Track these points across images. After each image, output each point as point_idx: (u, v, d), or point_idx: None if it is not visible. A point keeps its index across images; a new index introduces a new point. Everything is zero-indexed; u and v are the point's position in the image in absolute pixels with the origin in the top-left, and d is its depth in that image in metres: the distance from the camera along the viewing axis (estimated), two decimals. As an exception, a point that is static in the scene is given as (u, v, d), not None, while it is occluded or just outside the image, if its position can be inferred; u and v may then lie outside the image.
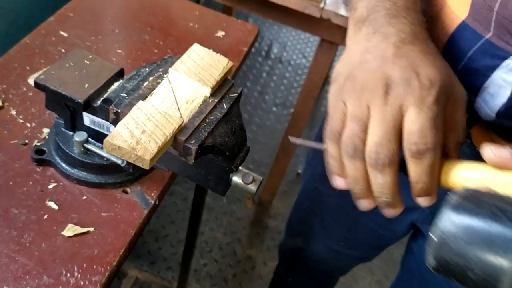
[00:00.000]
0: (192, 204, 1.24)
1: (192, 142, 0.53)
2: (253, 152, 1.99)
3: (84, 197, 0.63)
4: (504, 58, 0.46)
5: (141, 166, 0.51)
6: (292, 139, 0.49)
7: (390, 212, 0.44)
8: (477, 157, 0.54)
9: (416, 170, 0.40)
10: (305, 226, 0.94)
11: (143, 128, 0.52)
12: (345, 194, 0.77)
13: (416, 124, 0.39)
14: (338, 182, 0.45)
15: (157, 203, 0.66)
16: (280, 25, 2.62)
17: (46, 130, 0.69)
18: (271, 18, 1.43)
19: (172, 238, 1.65)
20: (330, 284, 1.17)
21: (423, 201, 0.43)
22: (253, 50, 2.46)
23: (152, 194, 0.66)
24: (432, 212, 0.66)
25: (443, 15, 0.52)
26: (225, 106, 0.58)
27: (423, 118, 0.39)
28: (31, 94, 0.73)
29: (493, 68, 0.47)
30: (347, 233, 0.84)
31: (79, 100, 0.59)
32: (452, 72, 0.43)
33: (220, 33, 0.94)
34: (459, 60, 0.50)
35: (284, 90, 2.29)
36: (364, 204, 0.45)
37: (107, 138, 0.50)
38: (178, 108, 0.55)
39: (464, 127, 0.44)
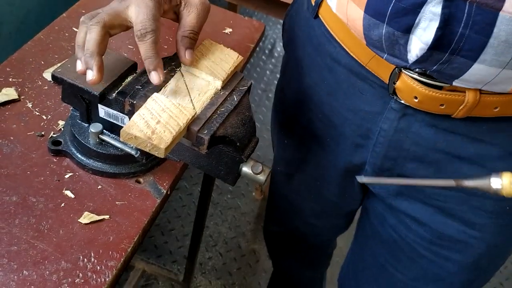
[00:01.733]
0: (198, 199, 1.27)
1: (205, 132, 0.55)
2: (257, 149, 2.00)
3: (99, 187, 0.66)
4: None
5: (156, 155, 0.53)
6: (360, 178, 0.57)
7: (87, 75, 0.56)
8: (405, 111, 0.62)
9: (143, 49, 0.56)
10: (279, 212, 1.02)
11: (158, 119, 0.54)
12: (305, 170, 0.86)
13: (138, 17, 0.56)
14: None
15: (169, 192, 0.68)
16: (283, 23, 2.64)
17: (61, 122, 0.71)
18: (275, 16, 1.45)
19: (178, 232, 1.67)
20: (322, 261, 1.21)
21: (154, 76, 0.56)
22: (257, 48, 2.49)
23: (164, 184, 0.68)
24: (375, 172, 0.71)
25: None
26: (235, 98, 0.60)
27: (142, 13, 0.55)
28: (46, 87, 0.75)
29: (421, 4, 0.50)
30: (315, 205, 0.90)
31: (95, 93, 0.61)
32: None
33: (228, 30, 0.96)
34: (388, 2, 0.52)
35: (288, 87, 2.32)
36: (79, 67, 0.57)
37: (124, 128, 0.53)
38: (191, 100, 0.58)
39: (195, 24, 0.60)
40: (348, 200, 0.85)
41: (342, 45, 0.65)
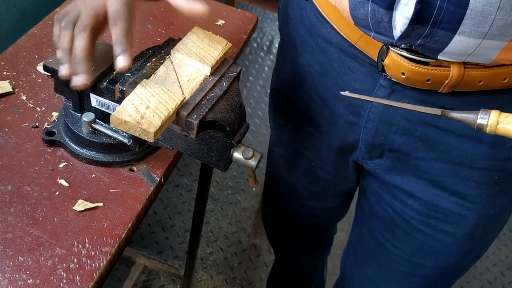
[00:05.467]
0: (197, 193, 1.27)
1: (194, 117, 0.56)
2: (256, 145, 2.02)
3: (93, 175, 0.67)
4: None
5: (146, 139, 0.54)
6: (344, 93, 0.57)
7: (75, 80, 0.57)
8: (394, 87, 0.64)
9: (115, 34, 0.56)
10: (274, 192, 1.04)
11: (147, 104, 0.55)
12: (300, 151, 0.87)
13: (112, 5, 0.56)
14: (58, 54, 0.58)
15: (162, 180, 0.69)
16: (281, 19, 2.65)
17: (55, 114, 0.72)
18: (272, 10, 1.47)
19: (178, 229, 1.68)
20: (321, 245, 1.22)
21: (119, 61, 0.55)
22: (255, 45, 2.49)
23: (158, 172, 0.69)
24: (368, 148, 0.72)
25: None
26: (224, 84, 0.61)
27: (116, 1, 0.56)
28: (40, 80, 0.76)
29: None
30: (311, 186, 0.92)
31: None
32: None
33: (220, 22, 0.97)
34: None
35: (286, 83, 2.32)
36: (63, 71, 0.58)
37: (113, 113, 0.53)
38: (180, 85, 0.59)
39: None
40: (343, 179, 0.87)
41: (333, 25, 0.67)
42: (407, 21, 0.54)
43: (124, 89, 0.57)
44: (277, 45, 2.54)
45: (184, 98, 0.57)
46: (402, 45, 0.58)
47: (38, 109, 0.73)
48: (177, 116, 0.56)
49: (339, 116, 0.73)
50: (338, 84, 0.70)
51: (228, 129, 0.59)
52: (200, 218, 1.33)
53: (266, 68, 2.38)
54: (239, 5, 2.28)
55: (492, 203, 0.71)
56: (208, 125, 0.59)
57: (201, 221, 1.34)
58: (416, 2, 0.52)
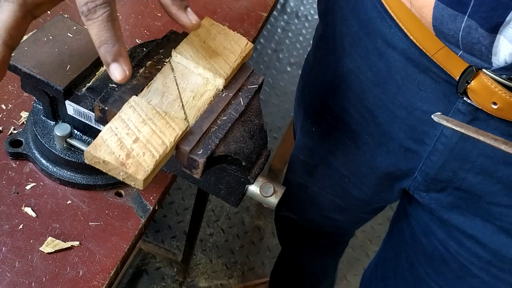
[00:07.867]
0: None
1: (199, 153, 0.41)
2: (265, 115, 1.86)
3: (69, 202, 0.53)
4: None
5: (133, 186, 0.39)
6: (437, 118, 0.44)
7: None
8: (476, 115, 0.50)
9: (95, 31, 0.38)
10: (294, 200, 0.91)
11: (136, 135, 0.40)
12: (332, 164, 0.73)
13: None
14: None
15: (156, 208, 0.55)
16: (298, -26, 2.41)
17: (24, 114, 0.57)
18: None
19: (177, 206, 1.56)
20: (337, 249, 1.12)
21: (115, 71, 0.39)
22: (270, 18, 2.29)
23: (151, 198, 0.55)
24: (427, 181, 0.60)
25: None
26: (242, 102, 0.46)
27: None
28: (7, 67, 0.61)
29: None
30: (339, 201, 0.81)
31: (59, 87, 0.47)
32: None
33: (236, -6, 0.80)
34: None
35: (300, 48, 2.13)
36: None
37: (88, 149, 0.39)
38: (183, 105, 0.43)
39: None
40: (380, 201, 0.74)
41: (400, 25, 0.50)
42: None
43: (106, 108, 0.42)
44: (292, 4, 2.33)
45: (188, 126, 0.42)
46: (503, 76, 0.42)
47: (4, 107, 0.58)
48: (176, 151, 0.42)
49: (393, 138, 0.58)
50: (397, 100, 0.55)
51: (244, 163, 0.45)
52: (205, 199, 1.20)
53: (279, 30, 2.18)
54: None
55: None
56: (218, 160, 0.44)
57: (205, 202, 1.22)
58: None
